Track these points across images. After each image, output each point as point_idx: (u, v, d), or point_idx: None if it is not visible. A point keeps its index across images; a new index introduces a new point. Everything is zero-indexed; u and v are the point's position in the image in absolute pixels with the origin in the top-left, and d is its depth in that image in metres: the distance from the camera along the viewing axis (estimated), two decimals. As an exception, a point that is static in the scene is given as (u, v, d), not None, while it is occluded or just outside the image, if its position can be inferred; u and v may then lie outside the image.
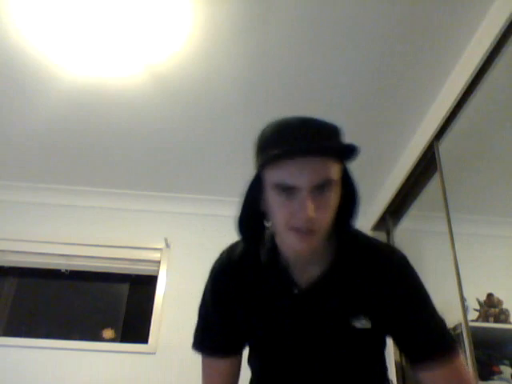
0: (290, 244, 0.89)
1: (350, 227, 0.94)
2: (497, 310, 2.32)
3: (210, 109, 2.47)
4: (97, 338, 2.95)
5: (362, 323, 0.93)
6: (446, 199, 2.29)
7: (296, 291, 0.95)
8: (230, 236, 1.07)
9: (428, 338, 0.94)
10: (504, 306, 2.34)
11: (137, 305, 3.14)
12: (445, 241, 2.24)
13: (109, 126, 2.64)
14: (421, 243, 3.03)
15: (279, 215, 0.85)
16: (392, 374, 2.52)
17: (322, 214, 0.83)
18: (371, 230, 3.23)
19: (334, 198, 0.85)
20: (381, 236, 3.22)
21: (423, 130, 2.46)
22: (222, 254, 1.07)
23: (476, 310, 2.36)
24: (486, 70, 1.96)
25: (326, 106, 2.42)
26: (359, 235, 1.00)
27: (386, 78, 2.24)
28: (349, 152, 0.84)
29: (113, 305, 3.15)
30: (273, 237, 0.97)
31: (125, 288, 3.19)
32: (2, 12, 1.97)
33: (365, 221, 3.29)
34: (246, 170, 1.02)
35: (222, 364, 1.08)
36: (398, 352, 2.73)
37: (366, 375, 1.01)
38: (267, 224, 0.95)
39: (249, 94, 2.38)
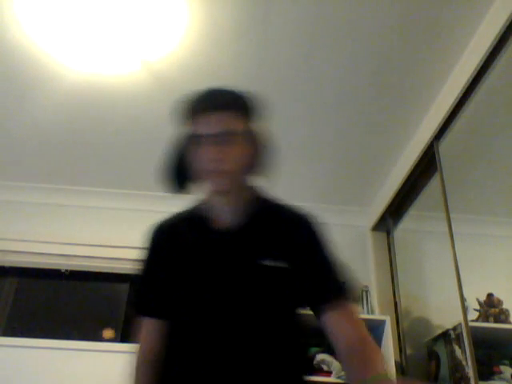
0: (211, 186, 1.07)
1: (259, 177, 1.14)
2: (497, 310, 2.31)
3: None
4: (97, 337, 2.95)
5: (274, 262, 1.05)
6: (446, 199, 2.29)
7: (211, 233, 1.10)
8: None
9: (323, 283, 1.07)
10: (504, 306, 2.34)
11: (137, 305, 3.14)
12: (445, 241, 2.24)
13: (108, 125, 2.64)
14: (421, 243, 3.02)
15: (196, 163, 1.06)
16: (392, 374, 2.52)
17: (227, 157, 1.02)
18: (371, 230, 3.23)
19: (238, 146, 1.05)
20: (381, 236, 3.22)
21: (423, 129, 2.46)
22: (156, 223, 1.21)
23: (476, 310, 2.35)
24: (485, 70, 1.96)
25: (326, 106, 2.42)
26: (269, 195, 1.18)
27: (386, 78, 2.24)
28: (245, 105, 1.08)
29: (113, 305, 3.15)
30: (198, 199, 1.16)
31: (125, 288, 3.19)
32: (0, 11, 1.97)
33: (365, 221, 3.29)
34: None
35: (155, 326, 1.09)
36: (398, 352, 2.73)
37: (280, 345, 1.03)
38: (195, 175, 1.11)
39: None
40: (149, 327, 1.09)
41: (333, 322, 1.01)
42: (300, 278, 1.06)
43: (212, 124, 1.03)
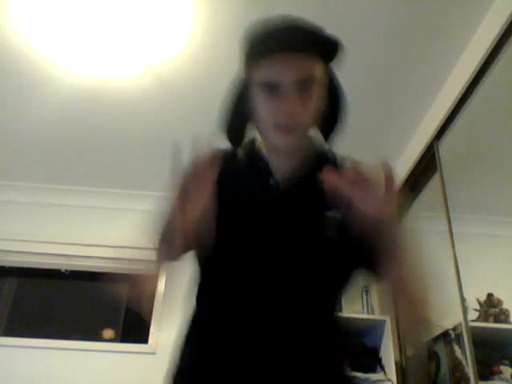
0: (273, 142, 0.92)
1: (333, 132, 0.98)
2: (497, 309, 2.31)
3: (212, 110, 2.46)
4: (97, 338, 2.95)
5: (333, 214, 0.92)
6: (446, 199, 2.29)
7: (272, 181, 0.95)
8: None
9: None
10: (504, 306, 2.34)
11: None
12: (445, 241, 2.24)
13: (109, 127, 2.64)
14: (421, 243, 3.02)
15: (264, 113, 0.89)
16: (392, 374, 2.52)
17: (304, 111, 0.86)
18: (371, 230, 3.23)
19: (316, 97, 0.88)
20: (381, 236, 3.22)
21: (423, 130, 2.46)
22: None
23: (476, 310, 2.35)
24: (485, 70, 1.96)
25: (326, 106, 2.42)
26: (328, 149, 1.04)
27: (386, 78, 2.24)
28: (331, 47, 0.90)
29: (113, 305, 3.15)
30: (253, 139, 1.00)
31: (125, 288, 3.19)
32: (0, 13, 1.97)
33: (365, 221, 3.29)
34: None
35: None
36: (398, 352, 2.73)
37: (327, 316, 0.94)
38: (252, 125, 0.97)
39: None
40: None
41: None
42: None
43: (290, 69, 0.84)
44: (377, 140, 2.64)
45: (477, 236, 2.55)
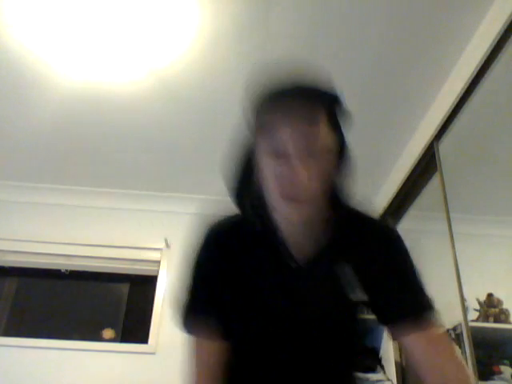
0: (283, 213, 0.87)
1: (343, 199, 0.92)
2: (497, 309, 2.31)
3: (214, 113, 2.47)
4: (97, 337, 2.95)
5: (358, 295, 0.91)
6: (446, 199, 2.29)
7: (294, 265, 0.91)
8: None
9: (403, 300, 0.92)
10: (504, 306, 2.34)
11: (137, 305, 3.14)
12: (445, 241, 2.24)
13: (110, 129, 2.64)
14: (421, 243, 3.02)
15: (272, 183, 0.84)
16: (392, 374, 2.52)
17: (315, 182, 0.82)
18: (371, 230, 3.23)
19: (326, 165, 0.84)
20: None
21: (423, 129, 2.46)
22: (211, 224, 1.00)
23: (476, 310, 2.35)
24: (485, 70, 1.96)
25: (326, 106, 2.42)
26: (351, 207, 0.98)
27: (386, 78, 2.24)
28: (337, 104, 0.86)
29: (113, 305, 3.15)
30: (264, 206, 0.93)
31: (125, 288, 3.19)
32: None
33: (365, 221, 3.29)
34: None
35: (213, 348, 0.92)
36: (398, 352, 2.73)
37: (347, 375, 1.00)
38: (262, 192, 0.91)
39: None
40: (209, 349, 0.92)
41: (422, 349, 0.87)
42: (379, 295, 0.93)
43: (297, 136, 0.80)
44: (377, 140, 2.64)
45: (477, 236, 2.55)
